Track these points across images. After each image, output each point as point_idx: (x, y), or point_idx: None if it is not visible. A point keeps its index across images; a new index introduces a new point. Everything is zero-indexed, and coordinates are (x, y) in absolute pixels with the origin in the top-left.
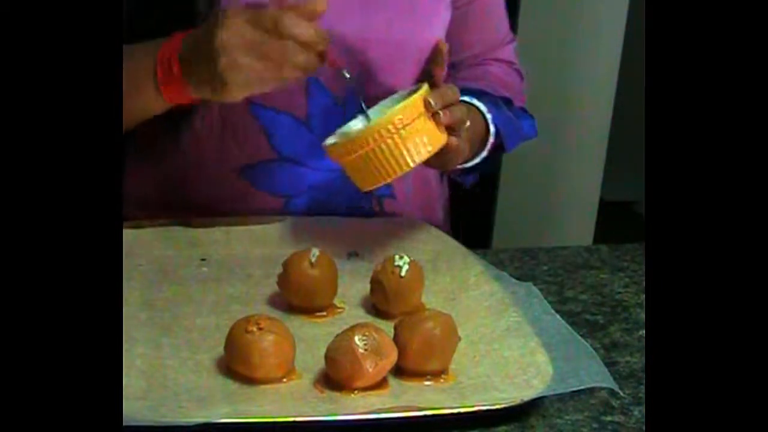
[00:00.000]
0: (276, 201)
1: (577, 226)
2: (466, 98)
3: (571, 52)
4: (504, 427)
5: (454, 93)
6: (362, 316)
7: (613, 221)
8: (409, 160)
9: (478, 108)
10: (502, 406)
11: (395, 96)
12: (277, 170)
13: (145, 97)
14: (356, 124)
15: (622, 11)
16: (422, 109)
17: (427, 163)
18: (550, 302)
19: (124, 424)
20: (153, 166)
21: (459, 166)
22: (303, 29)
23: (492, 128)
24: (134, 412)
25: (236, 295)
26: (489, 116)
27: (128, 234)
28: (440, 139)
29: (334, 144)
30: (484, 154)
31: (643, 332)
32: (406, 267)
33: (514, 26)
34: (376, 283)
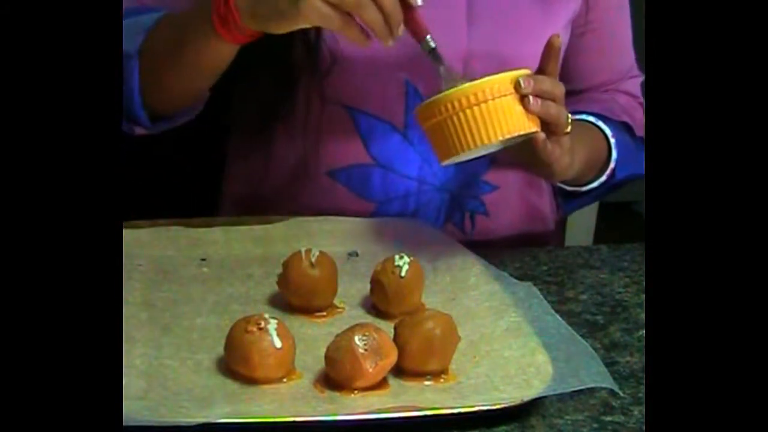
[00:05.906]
0: (366, 205)
1: (577, 226)
2: (591, 119)
3: None
4: (504, 427)
5: (554, 86)
6: (362, 316)
7: (613, 221)
8: (484, 136)
9: (600, 129)
10: (502, 406)
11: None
12: (371, 175)
13: (207, 46)
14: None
15: None
16: (512, 88)
17: (527, 167)
18: (550, 302)
19: (124, 424)
20: (242, 161)
21: (570, 186)
22: None
23: (615, 154)
24: (134, 412)
25: (236, 295)
26: (613, 141)
27: (128, 234)
28: (525, 125)
29: (419, 106)
30: (603, 178)
31: (643, 332)
32: (406, 267)
33: None
34: (376, 283)
